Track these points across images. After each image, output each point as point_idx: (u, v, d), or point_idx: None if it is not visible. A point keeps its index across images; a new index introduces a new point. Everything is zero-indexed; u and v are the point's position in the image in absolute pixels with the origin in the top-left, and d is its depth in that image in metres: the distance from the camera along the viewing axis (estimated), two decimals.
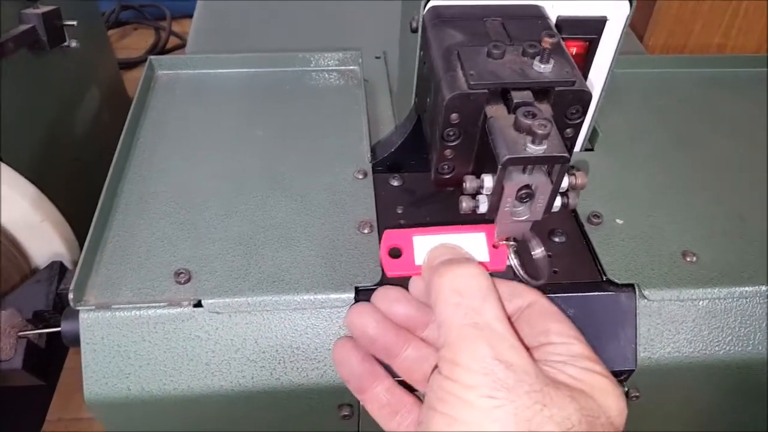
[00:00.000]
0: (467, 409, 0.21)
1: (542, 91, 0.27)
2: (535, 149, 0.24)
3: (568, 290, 0.31)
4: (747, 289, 0.31)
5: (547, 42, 0.26)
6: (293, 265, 0.31)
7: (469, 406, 0.20)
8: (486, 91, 0.26)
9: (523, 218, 0.26)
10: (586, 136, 0.39)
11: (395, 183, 0.37)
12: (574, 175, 0.26)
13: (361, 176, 0.37)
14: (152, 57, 0.44)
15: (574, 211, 0.35)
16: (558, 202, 0.27)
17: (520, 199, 0.26)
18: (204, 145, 0.39)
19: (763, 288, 0.31)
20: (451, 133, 0.28)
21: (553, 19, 0.32)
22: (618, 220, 0.34)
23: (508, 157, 0.24)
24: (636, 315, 0.30)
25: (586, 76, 0.36)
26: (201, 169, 0.37)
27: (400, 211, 0.35)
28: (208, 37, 0.58)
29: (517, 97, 0.26)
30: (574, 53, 0.35)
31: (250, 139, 0.40)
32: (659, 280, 0.31)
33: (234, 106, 0.42)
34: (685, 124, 0.42)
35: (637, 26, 0.69)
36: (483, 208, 0.26)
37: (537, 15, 0.31)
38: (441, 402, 0.22)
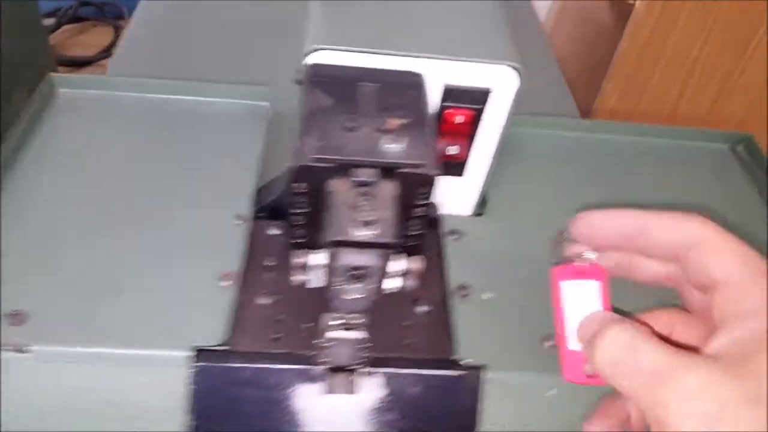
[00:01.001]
0: None
1: (390, 168, 0.27)
2: (364, 234, 0.24)
3: (415, 366, 0.30)
4: None
5: (393, 124, 0.25)
6: (138, 315, 0.30)
7: None
8: (330, 165, 0.26)
9: (357, 296, 0.26)
10: (478, 200, 0.39)
11: (274, 232, 0.36)
12: (412, 259, 0.26)
13: (239, 222, 0.36)
14: (55, 75, 0.43)
15: (443, 280, 0.34)
16: (397, 283, 0.27)
17: (352, 278, 0.25)
18: (88, 172, 0.38)
19: None
20: (300, 201, 0.28)
21: (440, 87, 0.32)
22: (485, 295, 0.34)
23: (332, 239, 0.24)
24: (481, 397, 0.30)
25: (471, 143, 0.36)
26: (77, 197, 0.36)
27: (270, 264, 0.34)
28: (139, 48, 0.57)
29: (361, 174, 0.26)
30: (462, 121, 0.35)
31: (138, 169, 0.38)
32: (511, 362, 0.30)
33: (131, 133, 0.41)
34: (589, 192, 0.42)
35: (591, 90, 0.70)
36: (314, 283, 0.26)
37: (413, 84, 0.31)
38: None
